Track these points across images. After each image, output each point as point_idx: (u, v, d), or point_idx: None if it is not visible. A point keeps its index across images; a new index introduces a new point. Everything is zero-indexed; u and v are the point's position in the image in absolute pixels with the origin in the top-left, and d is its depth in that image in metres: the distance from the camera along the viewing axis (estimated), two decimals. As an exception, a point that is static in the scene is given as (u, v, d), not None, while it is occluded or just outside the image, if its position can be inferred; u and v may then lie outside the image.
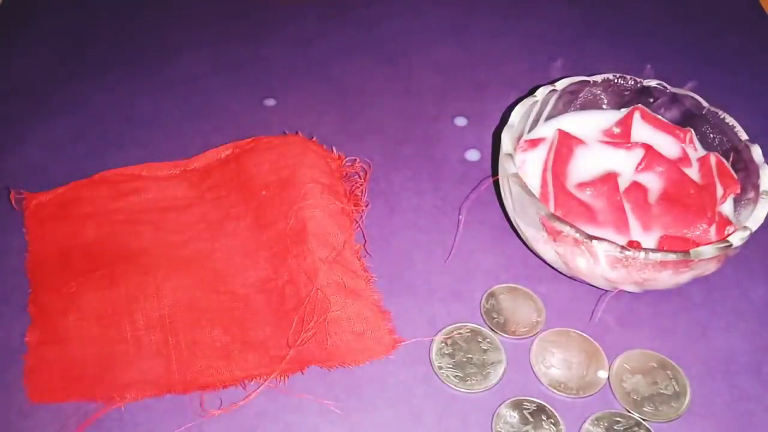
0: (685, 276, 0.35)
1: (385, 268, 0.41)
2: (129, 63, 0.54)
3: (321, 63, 0.54)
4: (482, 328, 0.38)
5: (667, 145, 0.42)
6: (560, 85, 0.42)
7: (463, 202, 0.45)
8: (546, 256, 0.38)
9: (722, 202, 0.39)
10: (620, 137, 0.42)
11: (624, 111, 0.43)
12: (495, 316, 0.39)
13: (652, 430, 0.35)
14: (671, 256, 0.34)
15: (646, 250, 0.34)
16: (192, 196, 0.44)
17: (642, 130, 0.42)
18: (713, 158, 0.41)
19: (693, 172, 0.41)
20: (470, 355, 0.37)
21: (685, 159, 0.41)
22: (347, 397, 0.36)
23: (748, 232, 0.35)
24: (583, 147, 0.41)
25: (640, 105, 0.43)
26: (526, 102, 0.41)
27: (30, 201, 0.43)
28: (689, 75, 0.53)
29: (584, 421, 0.35)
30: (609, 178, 0.39)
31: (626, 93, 0.43)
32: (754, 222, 0.36)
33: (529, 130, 0.43)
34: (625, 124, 0.42)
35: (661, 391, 0.36)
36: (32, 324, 0.38)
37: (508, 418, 0.35)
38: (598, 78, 0.43)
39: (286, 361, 0.36)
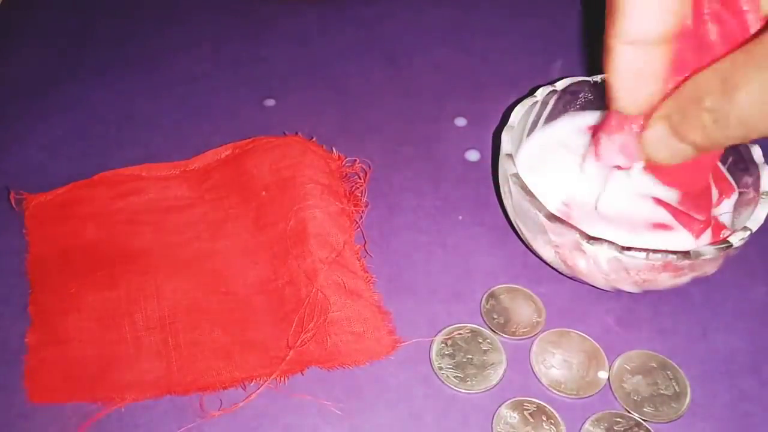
0: (685, 277, 0.35)
1: (385, 269, 0.41)
2: (128, 63, 0.54)
3: (321, 63, 0.54)
4: (482, 329, 0.38)
5: None
6: (560, 85, 0.42)
7: (463, 203, 0.45)
8: (546, 256, 0.38)
9: (716, 206, 0.39)
10: None
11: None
12: (495, 317, 0.39)
13: (652, 430, 0.35)
14: (671, 257, 0.34)
15: (646, 250, 0.34)
16: (192, 197, 0.44)
17: None
18: None
19: None
20: (470, 356, 0.37)
21: None
22: (347, 397, 0.36)
23: (748, 233, 0.35)
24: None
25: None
26: (526, 102, 0.41)
27: (30, 201, 0.43)
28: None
29: (584, 422, 0.35)
30: None
31: (626, 93, 0.43)
32: (754, 223, 0.35)
33: (529, 131, 0.43)
34: None
35: (662, 391, 0.36)
36: (32, 325, 0.38)
37: (509, 418, 0.35)
38: (598, 78, 0.43)
39: (286, 362, 0.36)
